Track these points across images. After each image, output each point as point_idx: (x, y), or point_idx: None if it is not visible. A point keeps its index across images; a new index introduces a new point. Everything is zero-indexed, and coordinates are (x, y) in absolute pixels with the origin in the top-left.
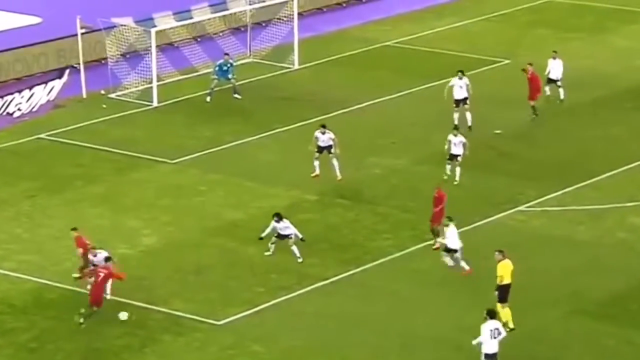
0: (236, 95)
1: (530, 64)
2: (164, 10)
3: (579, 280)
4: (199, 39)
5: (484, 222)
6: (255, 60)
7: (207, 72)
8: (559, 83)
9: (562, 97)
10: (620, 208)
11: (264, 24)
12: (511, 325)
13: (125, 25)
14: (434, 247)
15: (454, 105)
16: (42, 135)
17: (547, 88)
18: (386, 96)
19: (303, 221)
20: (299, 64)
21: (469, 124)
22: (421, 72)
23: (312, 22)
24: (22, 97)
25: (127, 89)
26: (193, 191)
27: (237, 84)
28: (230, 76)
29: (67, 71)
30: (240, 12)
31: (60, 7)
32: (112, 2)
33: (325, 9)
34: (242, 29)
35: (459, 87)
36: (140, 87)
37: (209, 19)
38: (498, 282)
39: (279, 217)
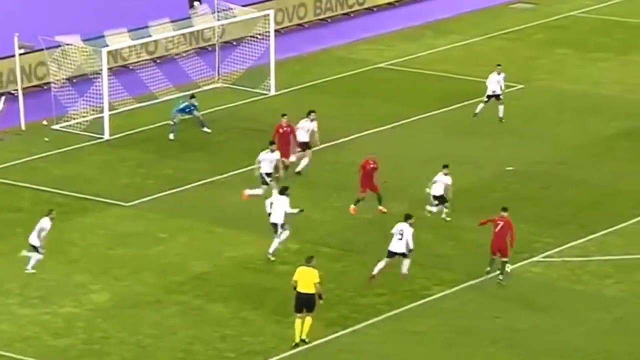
0: (205, 129)
1: (284, 115)
2: (117, 26)
3: (607, 343)
4: (158, 61)
5: (496, 274)
6: (224, 85)
7: (168, 100)
8: (501, 97)
9: (500, 114)
10: None
11: (234, 43)
12: (301, 338)
13: (71, 45)
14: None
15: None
16: None
17: (480, 106)
18: (377, 127)
19: (282, 273)
20: (276, 90)
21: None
22: (418, 99)
23: (291, 40)
24: None
25: (74, 119)
26: (152, 239)
27: (200, 115)
28: (196, 112)
29: (3, 98)
30: (207, 29)
31: None
32: (55, 18)
33: (306, 25)
34: (210, 48)
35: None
36: (89, 117)
37: (170, 38)
38: (292, 286)
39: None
